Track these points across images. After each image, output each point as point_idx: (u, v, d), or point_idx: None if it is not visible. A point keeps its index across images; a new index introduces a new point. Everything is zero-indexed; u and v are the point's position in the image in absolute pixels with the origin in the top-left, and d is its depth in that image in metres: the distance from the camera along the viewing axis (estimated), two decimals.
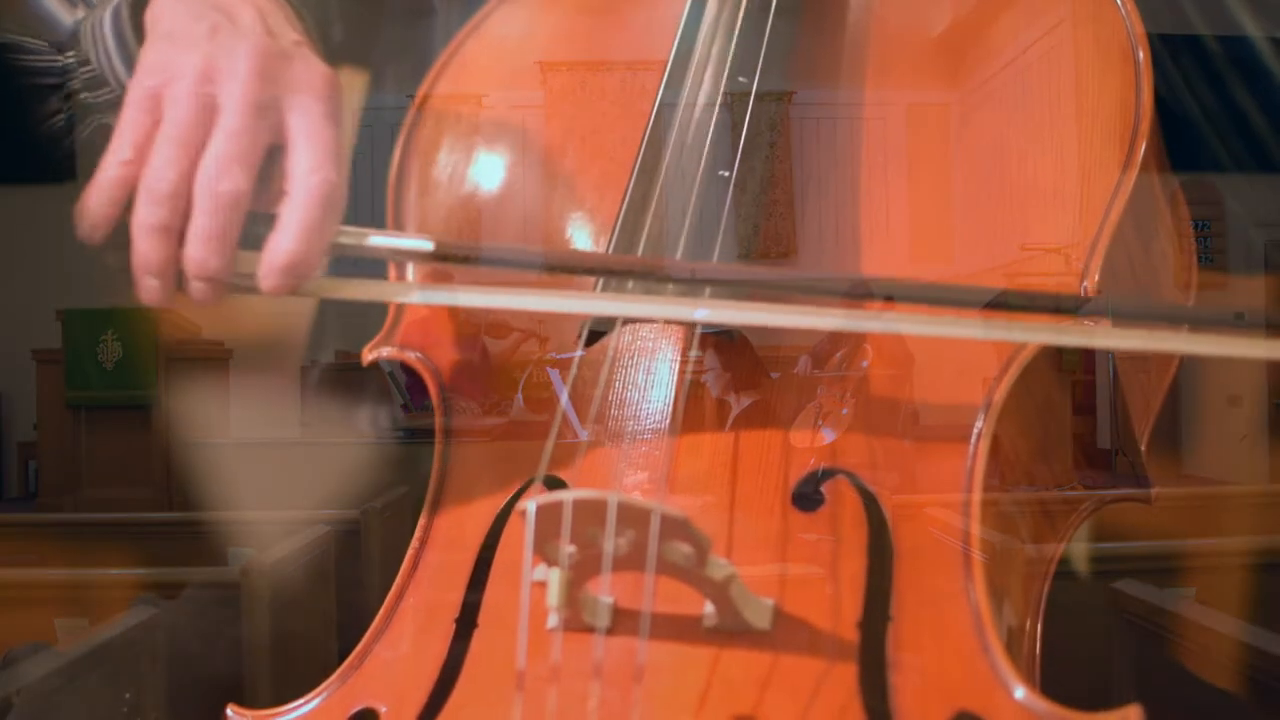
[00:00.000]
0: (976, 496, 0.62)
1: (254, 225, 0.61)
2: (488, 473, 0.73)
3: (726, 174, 0.75)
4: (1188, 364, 0.86)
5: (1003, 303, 0.63)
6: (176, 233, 0.60)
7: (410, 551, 0.68)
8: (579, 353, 0.73)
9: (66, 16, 0.82)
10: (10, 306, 4.83)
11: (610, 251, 0.76)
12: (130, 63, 0.75)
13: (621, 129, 0.85)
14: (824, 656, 0.56)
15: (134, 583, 1.82)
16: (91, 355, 4.43)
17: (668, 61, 0.80)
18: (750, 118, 0.77)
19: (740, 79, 0.78)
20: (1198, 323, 0.60)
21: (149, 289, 0.62)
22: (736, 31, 0.79)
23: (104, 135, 0.85)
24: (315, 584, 2.16)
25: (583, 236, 0.83)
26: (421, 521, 0.71)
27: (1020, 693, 0.53)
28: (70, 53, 0.82)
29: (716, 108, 0.77)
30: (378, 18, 1.04)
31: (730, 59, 0.78)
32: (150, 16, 0.70)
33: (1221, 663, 1.40)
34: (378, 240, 0.64)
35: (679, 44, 0.81)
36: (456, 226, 0.87)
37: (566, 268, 0.70)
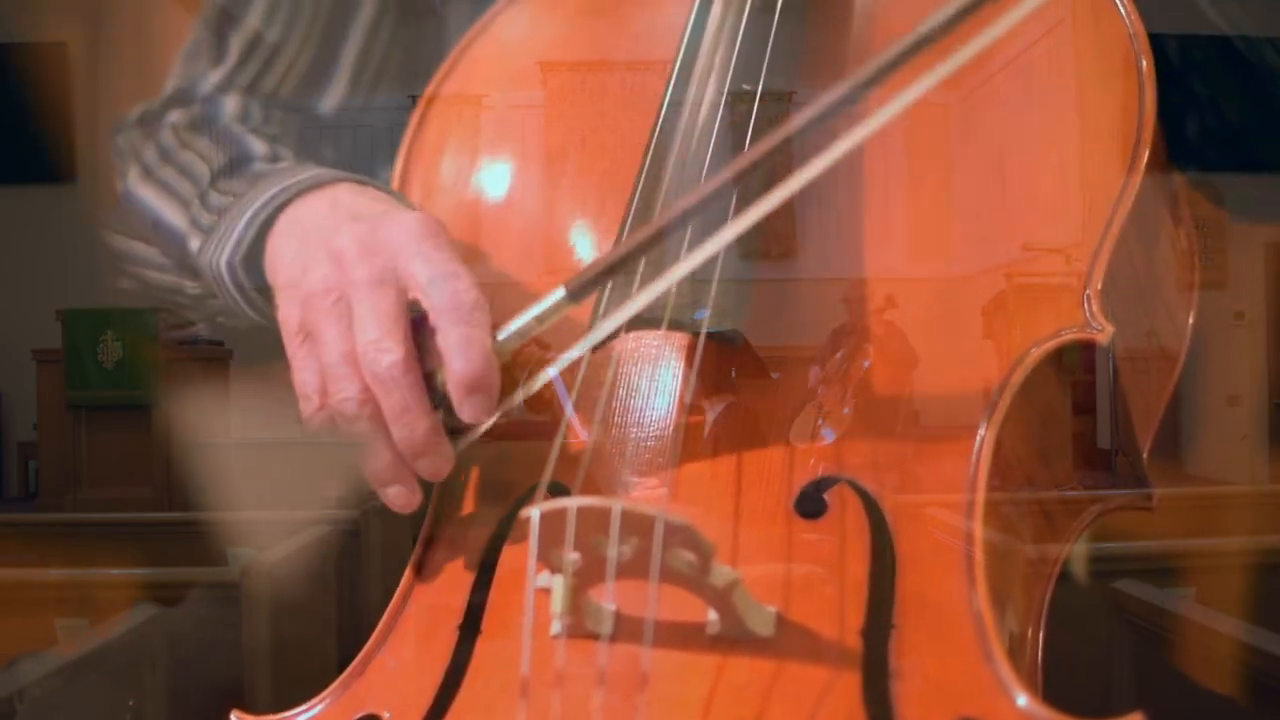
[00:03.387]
0: (980, 499, 0.62)
1: (434, 382, 0.63)
2: (490, 477, 0.73)
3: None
4: (1188, 364, 0.86)
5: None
6: (385, 433, 0.63)
7: (413, 556, 0.69)
8: (584, 356, 0.73)
9: (193, 244, 0.85)
10: (10, 306, 4.83)
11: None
12: (256, 308, 0.79)
13: (623, 129, 0.85)
14: (827, 664, 0.56)
15: (134, 583, 1.82)
16: (91, 355, 4.43)
17: (672, 66, 0.80)
18: (753, 119, 0.77)
19: (744, 82, 0.78)
20: None
21: (395, 496, 0.65)
22: (740, 34, 0.79)
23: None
24: (315, 584, 2.16)
25: (588, 238, 0.83)
26: (424, 526, 0.71)
27: (1023, 700, 0.53)
28: (196, 284, 0.86)
29: (720, 110, 0.77)
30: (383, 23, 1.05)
31: (734, 62, 0.78)
32: (269, 270, 0.74)
33: (1222, 663, 1.40)
34: (526, 318, 0.65)
35: (683, 49, 0.81)
36: (460, 229, 0.87)
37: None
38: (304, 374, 0.65)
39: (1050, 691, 0.60)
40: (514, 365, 0.78)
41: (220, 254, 0.80)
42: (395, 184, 0.86)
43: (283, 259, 0.74)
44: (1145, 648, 1.60)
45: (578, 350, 0.68)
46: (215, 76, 0.96)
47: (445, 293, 0.63)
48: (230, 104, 0.94)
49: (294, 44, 0.98)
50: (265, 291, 0.76)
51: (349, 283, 0.64)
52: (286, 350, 0.67)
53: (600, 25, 0.93)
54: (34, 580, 1.94)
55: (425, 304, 0.64)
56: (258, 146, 0.90)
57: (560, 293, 0.64)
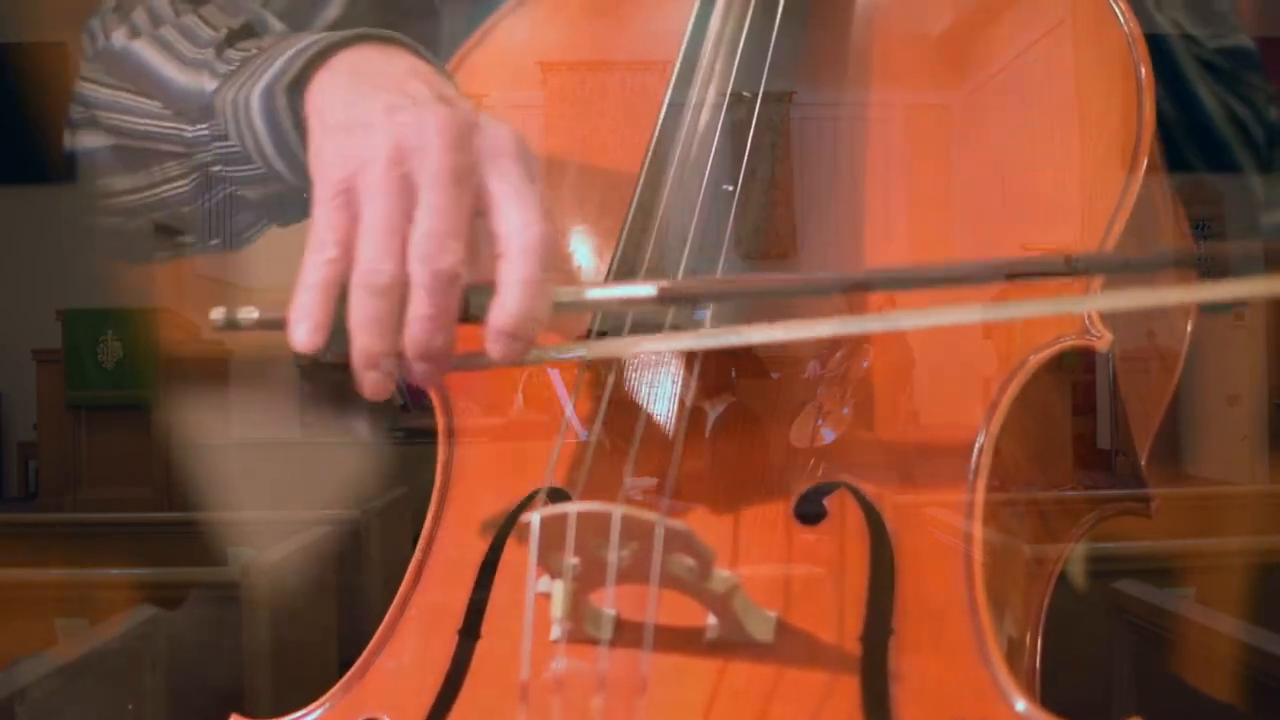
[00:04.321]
0: (979, 504, 0.62)
1: (469, 297, 0.60)
2: (491, 480, 0.73)
3: (730, 188, 0.75)
4: (1187, 364, 0.86)
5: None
6: (397, 321, 0.59)
7: (413, 560, 0.69)
8: (585, 356, 0.73)
9: (207, 84, 0.80)
10: (10, 306, 4.84)
11: (617, 258, 0.76)
12: (282, 146, 0.74)
13: (623, 129, 0.85)
14: (826, 669, 0.56)
15: (134, 583, 1.82)
16: (91, 355, 4.44)
17: (673, 68, 0.80)
18: (754, 122, 0.77)
19: (745, 85, 0.78)
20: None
21: (373, 382, 0.60)
22: (742, 37, 0.79)
23: (237, 204, 0.83)
24: (315, 584, 2.17)
25: (588, 240, 0.83)
26: (424, 529, 0.71)
27: (1021, 705, 0.53)
28: (203, 125, 0.80)
29: (722, 112, 0.77)
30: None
31: (735, 65, 0.78)
32: (313, 108, 0.69)
33: (1221, 663, 1.40)
34: (598, 293, 0.64)
35: (685, 51, 0.81)
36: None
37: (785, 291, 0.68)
38: (332, 224, 0.60)
39: (1051, 692, 0.60)
40: (512, 367, 0.77)
41: (253, 84, 0.75)
42: None
43: (334, 96, 0.68)
44: (1145, 648, 1.60)
45: (574, 352, 0.68)
46: None
47: (528, 228, 0.59)
48: None
49: None
50: (300, 127, 0.71)
51: (427, 164, 0.60)
52: (315, 191, 0.62)
53: (601, 26, 0.93)
54: (34, 580, 1.95)
55: (498, 228, 0.60)
56: (275, 22, 0.85)
57: (651, 290, 0.61)
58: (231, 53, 0.80)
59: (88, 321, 4.43)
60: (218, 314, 0.62)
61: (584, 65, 0.89)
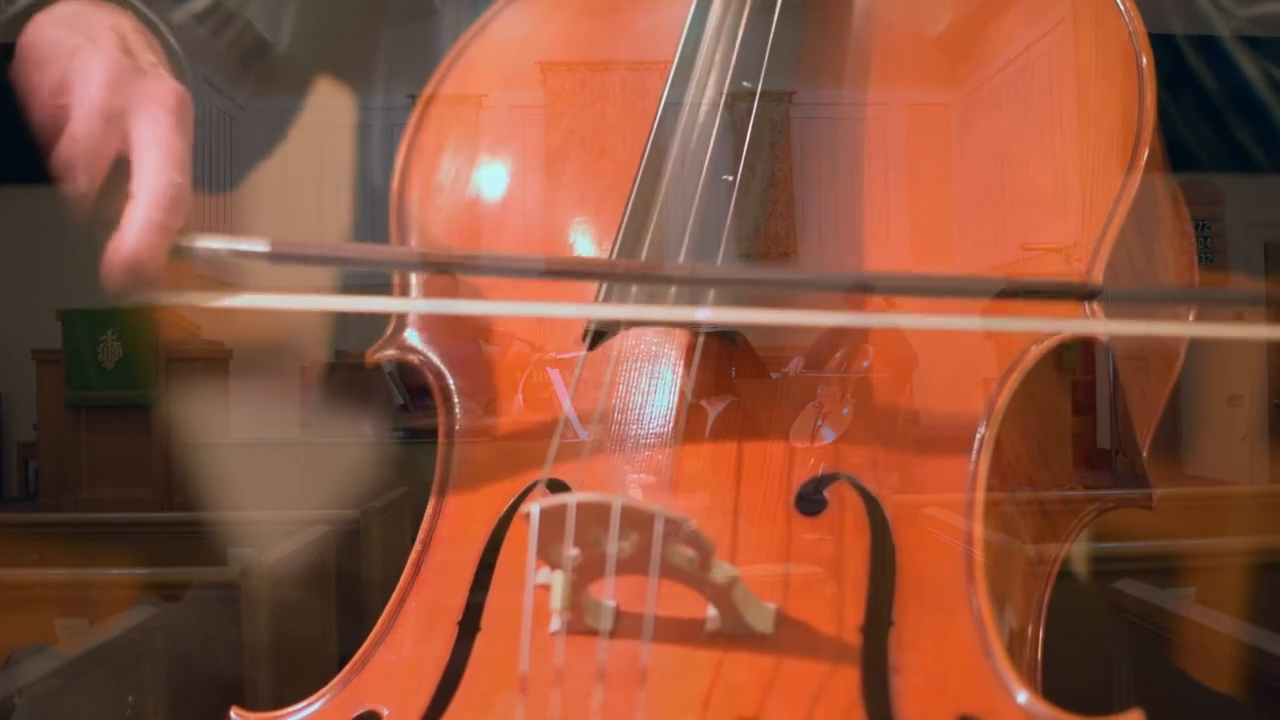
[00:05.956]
0: (979, 498, 0.62)
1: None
2: (491, 475, 0.73)
3: (730, 178, 0.75)
4: (1188, 363, 0.86)
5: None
6: None
7: (413, 554, 0.69)
8: (582, 354, 0.73)
9: None
10: (10, 306, 4.83)
11: (615, 253, 0.76)
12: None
13: (622, 129, 0.85)
14: (826, 660, 0.56)
15: (134, 583, 1.82)
16: (91, 355, 4.43)
17: (672, 64, 0.80)
18: (752, 119, 0.77)
19: (744, 81, 0.78)
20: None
21: None
22: (740, 34, 0.79)
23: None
24: (315, 584, 2.17)
25: (587, 238, 0.83)
26: (424, 524, 0.71)
27: (1022, 697, 0.53)
28: None
29: (720, 110, 0.77)
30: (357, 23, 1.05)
31: (734, 61, 0.78)
32: (21, 44, 0.74)
33: (1221, 663, 1.40)
34: (212, 243, 0.66)
35: (683, 47, 0.81)
36: (460, 228, 0.87)
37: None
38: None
39: (1049, 690, 0.60)
40: (511, 364, 0.78)
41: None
42: (395, 182, 0.86)
43: (42, 35, 0.74)
44: (1145, 648, 1.60)
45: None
46: None
47: (155, 173, 0.64)
48: None
49: None
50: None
51: (80, 99, 0.66)
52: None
53: (600, 25, 0.93)
54: (34, 580, 1.94)
55: (134, 171, 0.65)
56: None
57: (263, 246, 0.65)
58: None
59: (88, 321, 4.42)
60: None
61: (583, 65, 0.89)
